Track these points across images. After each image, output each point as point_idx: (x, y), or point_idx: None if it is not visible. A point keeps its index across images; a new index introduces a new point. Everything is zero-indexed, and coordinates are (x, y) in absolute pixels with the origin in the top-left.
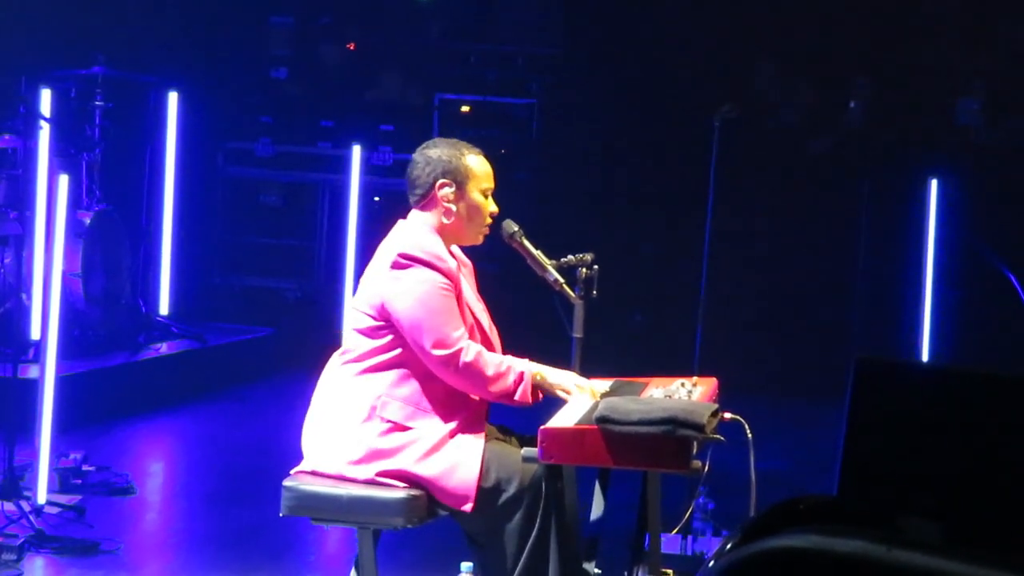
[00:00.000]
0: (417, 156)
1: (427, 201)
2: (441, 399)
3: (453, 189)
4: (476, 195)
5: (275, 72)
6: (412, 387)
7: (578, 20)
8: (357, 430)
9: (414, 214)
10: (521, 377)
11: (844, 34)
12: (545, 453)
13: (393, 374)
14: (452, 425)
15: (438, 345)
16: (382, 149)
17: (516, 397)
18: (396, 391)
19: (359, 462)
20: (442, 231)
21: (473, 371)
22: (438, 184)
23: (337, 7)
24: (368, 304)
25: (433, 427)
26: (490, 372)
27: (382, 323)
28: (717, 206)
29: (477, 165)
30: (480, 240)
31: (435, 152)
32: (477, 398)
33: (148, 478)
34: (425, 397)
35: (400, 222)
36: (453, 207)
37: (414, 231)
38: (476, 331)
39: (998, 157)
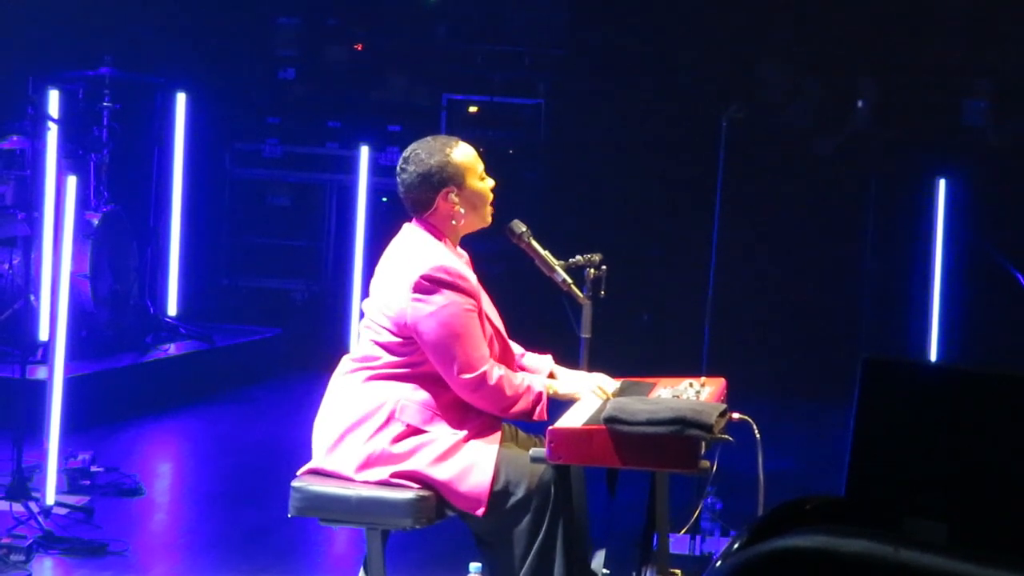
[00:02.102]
0: (407, 177)
1: (432, 211)
2: (458, 404)
3: (456, 193)
4: (476, 184)
5: (282, 73)
6: (430, 393)
7: (585, 20)
8: (372, 434)
9: (421, 225)
10: (540, 397)
11: (851, 34)
12: (553, 453)
13: (412, 381)
14: (467, 430)
15: (464, 370)
16: (390, 150)
17: (534, 417)
18: (415, 395)
19: (372, 465)
20: (453, 232)
21: (496, 394)
22: (442, 193)
23: (344, 8)
24: (389, 320)
25: (449, 430)
26: (510, 393)
27: (403, 339)
28: (725, 206)
29: (465, 157)
30: (489, 220)
31: (423, 166)
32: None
33: (156, 479)
34: (444, 402)
35: (408, 228)
36: (462, 209)
37: (430, 247)
38: (496, 341)
39: (1005, 157)
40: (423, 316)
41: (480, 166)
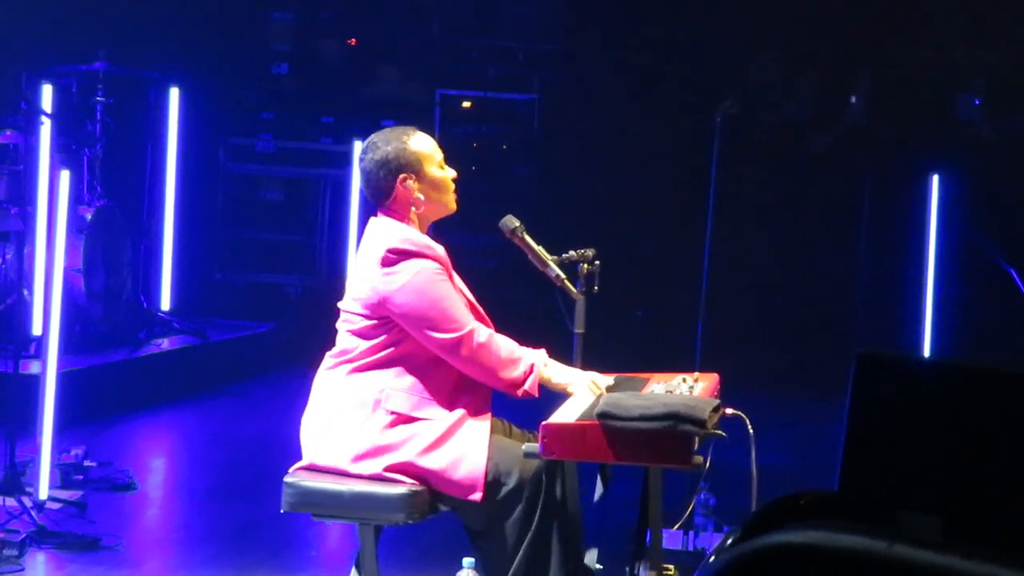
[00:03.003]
0: (366, 165)
1: (393, 200)
2: (445, 388)
3: (414, 179)
4: (434, 171)
5: (276, 68)
6: (415, 378)
7: (579, 15)
8: (361, 426)
9: (384, 213)
10: (531, 368)
11: (845, 29)
12: (546, 449)
13: (395, 367)
14: (457, 414)
15: (449, 329)
16: None
17: (525, 387)
18: (399, 383)
19: (364, 458)
20: (417, 220)
21: (485, 354)
22: (400, 180)
23: (337, 3)
24: (361, 304)
25: (438, 416)
26: (503, 355)
27: (377, 321)
28: (718, 201)
29: (422, 145)
30: (455, 207)
31: (380, 153)
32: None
33: (149, 474)
34: (430, 387)
35: (373, 221)
36: (421, 196)
37: (394, 227)
38: (471, 311)
39: (999, 152)
40: (396, 288)
41: (439, 155)
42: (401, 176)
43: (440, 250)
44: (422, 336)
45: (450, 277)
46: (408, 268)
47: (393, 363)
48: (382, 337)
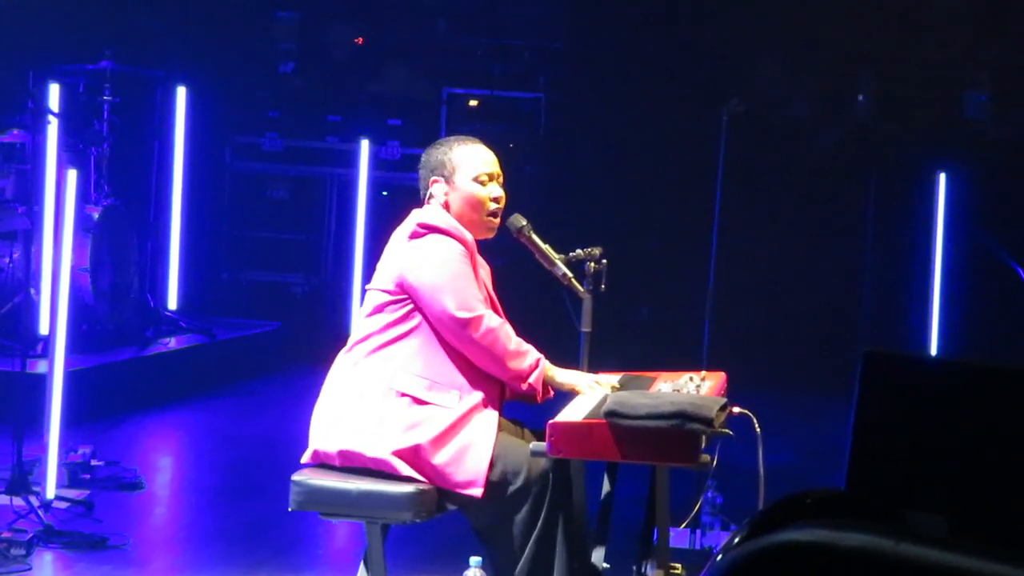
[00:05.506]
0: (421, 160)
1: (429, 198)
2: (456, 377)
3: (443, 184)
4: (468, 184)
5: (282, 66)
6: (428, 361)
7: (585, 13)
8: (372, 404)
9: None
10: (538, 363)
11: (851, 27)
12: (554, 447)
13: (409, 348)
14: (467, 405)
15: (461, 307)
16: (390, 143)
17: (530, 380)
18: (412, 365)
19: (370, 439)
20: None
21: (493, 340)
22: (430, 182)
23: (344, 1)
24: (387, 279)
25: (448, 404)
26: (511, 347)
27: (399, 296)
28: (725, 200)
29: (464, 155)
30: (488, 233)
31: (429, 153)
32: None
33: (157, 473)
34: (442, 371)
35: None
36: (448, 201)
37: (429, 209)
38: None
39: (1006, 150)
40: (418, 260)
41: (484, 169)
42: (432, 179)
43: (468, 236)
44: (435, 311)
45: (474, 266)
46: (433, 241)
47: (407, 342)
48: (400, 312)
